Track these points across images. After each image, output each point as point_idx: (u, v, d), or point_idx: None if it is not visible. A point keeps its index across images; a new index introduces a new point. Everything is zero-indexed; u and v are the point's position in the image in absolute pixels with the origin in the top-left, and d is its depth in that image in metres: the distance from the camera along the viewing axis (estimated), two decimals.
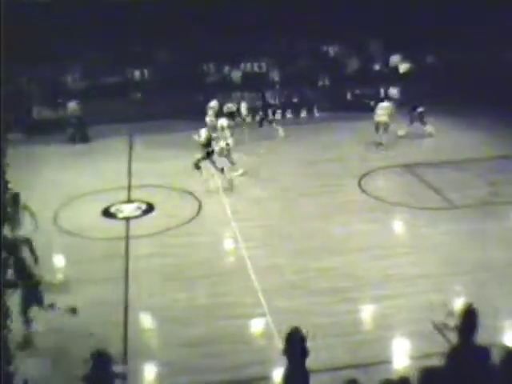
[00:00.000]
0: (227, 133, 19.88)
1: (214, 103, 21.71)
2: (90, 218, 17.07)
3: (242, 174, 19.53)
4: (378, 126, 22.17)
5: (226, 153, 19.49)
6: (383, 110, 22.11)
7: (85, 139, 24.05)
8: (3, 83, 10.10)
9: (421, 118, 22.82)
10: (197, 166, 18.63)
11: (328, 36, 27.22)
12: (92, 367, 8.45)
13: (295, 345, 8.49)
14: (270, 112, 25.46)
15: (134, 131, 24.14)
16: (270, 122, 24.19)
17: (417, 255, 14.32)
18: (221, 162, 19.02)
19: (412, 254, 14.44)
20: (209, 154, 18.53)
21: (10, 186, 9.88)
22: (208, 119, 21.58)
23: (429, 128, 22.92)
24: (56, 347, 11.55)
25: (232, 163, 19.55)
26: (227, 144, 19.60)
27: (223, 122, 20.17)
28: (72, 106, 24.35)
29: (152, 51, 27.58)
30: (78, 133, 24.13)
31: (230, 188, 18.50)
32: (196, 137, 18.70)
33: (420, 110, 22.78)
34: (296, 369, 8.54)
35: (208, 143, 18.54)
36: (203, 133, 18.58)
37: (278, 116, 26.32)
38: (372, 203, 17.43)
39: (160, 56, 27.69)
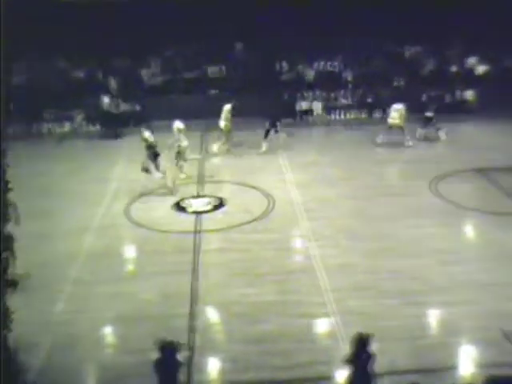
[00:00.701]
0: (182, 135, 19.31)
1: (228, 106, 21.69)
2: (161, 211, 17.39)
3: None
4: (391, 128, 22.47)
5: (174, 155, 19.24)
6: (396, 112, 22.11)
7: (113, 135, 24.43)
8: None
9: (425, 122, 23.15)
10: (145, 170, 18.58)
11: (404, 36, 26.90)
12: (159, 356, 8.66)
13: (360, 349, 8.52)
14: (278, 124, 22.84)
15: (207, 127, 24.17)
16: (266, 135, 22.54)
17: (488, 262, 14.03)
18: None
19: (484, 260, 14.18)
20: (155, 156, 18.40)
21: (10, 185, 9.74)
22: (222, 123, 21.88)
23: (422, 132, 23.15)
24: (122, 334, 11.92)
25: (156, 168, 18.74)
26: (179, 146, 19.23)
27: (179, 124, 19.48)
28: (105, 100, 24.89)
29: (230, 48, 27.80)
30: (112, 128, 24.61)
31: (170, 192, 18.37)
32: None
33: (428, 114, 23.13)
34: (360, 372, 8.57)
35: (150, 146, 18.38)
36: (145, 135, 18.53)
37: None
38: (444, 206, 17.22)
39: (238, 54, 27.87)
